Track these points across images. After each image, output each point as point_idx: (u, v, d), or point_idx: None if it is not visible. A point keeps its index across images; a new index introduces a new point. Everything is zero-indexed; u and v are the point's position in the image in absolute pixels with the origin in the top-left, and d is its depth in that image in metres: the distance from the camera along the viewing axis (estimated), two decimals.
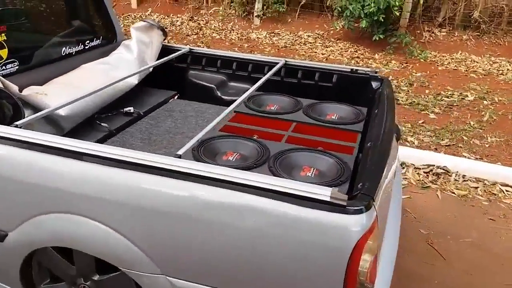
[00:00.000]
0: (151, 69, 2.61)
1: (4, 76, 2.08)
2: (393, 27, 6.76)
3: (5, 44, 2.09)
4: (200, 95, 2.71)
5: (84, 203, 1.44)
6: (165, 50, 2.79)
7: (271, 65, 2.61)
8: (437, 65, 6.18)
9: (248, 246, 1.30)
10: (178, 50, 2.77)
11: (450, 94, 4.97)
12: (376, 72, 2.48)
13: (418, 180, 3.16)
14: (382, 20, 6.29)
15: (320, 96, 2.48)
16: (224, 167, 1.35)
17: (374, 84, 2.45)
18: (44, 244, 1.58)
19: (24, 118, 1.74)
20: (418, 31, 6.99)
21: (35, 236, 1.57)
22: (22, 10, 2.33)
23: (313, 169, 1.71)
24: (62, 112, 1.97)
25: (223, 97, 2.70)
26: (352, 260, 1.24)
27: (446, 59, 6.42)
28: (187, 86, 2.81)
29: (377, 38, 6.48)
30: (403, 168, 3.29)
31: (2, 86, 1.78)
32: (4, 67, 2.09)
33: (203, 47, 6.67)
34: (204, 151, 1.76)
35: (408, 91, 5.05)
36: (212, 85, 2.74)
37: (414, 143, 3.70)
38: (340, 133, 2.06)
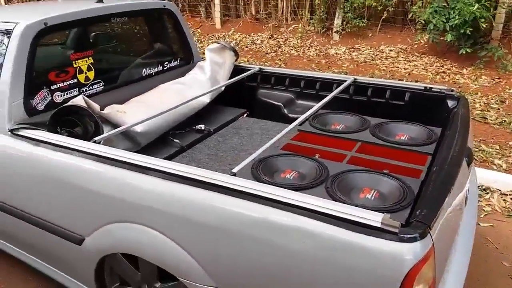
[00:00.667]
0: (223, 88, 2.73)
1: (90, 95, 2.32)
2: (483, 40, 6.30)
3: (92, 67, 2.33)
4: (268, 113, 2.77)
5: (149, 214, 1.55)
6: (237, 70, 2.89)
7: (340, 82, 2.58)
8: None
9: (295, 267, 1.30)
10: (249, 70, 2.86)
11: None
12: (452, 91, 2.34)
13: (504, 207, 2.88)
14: (470, 33, 5.89)
15: (391, 115, 2.39)
16: (275, 187, 1.37)
17: (450, 103, 2.31)
18: (113, 250, 1.72)
19: (102, 134, 1.91)
20: None
21: (106, 242, 1.71)
22: (107, 36, 2.58)
23: (374, 192, 1.66)
24: (138, 128, 2.13)
25: (289, 115, 2.72)
26: None
27: None
28: (256, 104, 2.89)
29: (464, 52, 6.08)
30: (487, 193, 3.03)
31: (85, 105, 1.99)
32: (91, 87, 2.33)
33: (281, 65, 6.78)
34: (263, 168, 1.79)
35: (498, 109, 4.65)
36: (280, 103, 2.78)
37: (502, 166, 3.39)
38: (409, 154, 1.97)
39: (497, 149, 3.67)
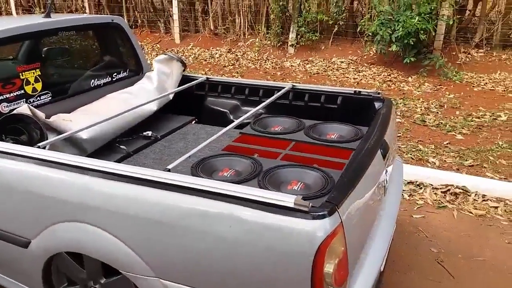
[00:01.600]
0: (171, 96, 2.87)
1: (38, 105, 2.39)
2: (426, 50, 6.74)
3: (39, 78, 2.42)
4: (215, 119, 2.92)
5: (90, 212, 1.65)
6: (185, 80, 3.04)
7: (280, 89, 2.77)
8: (473, 86, 6.06)
9: (224, 251, 1.43)
10: (197, 79, 3.01)
11: (481, 115, 4.87)
12: (379, 93, 2.57)
13: (435, 200, 3.14)
14: (413, 44, 6.30)
15: (325, 118, 2.59)
16: (203, 179, 1.51)
17: (377, 105, 2.54)
18: (59, 249, 1.80)
19: (46, 140, 2.00)
20: (454, 53, 6.91)
21: (51, 242, 1.79)
22: (56, 49, 2.67)
23: (300, 183, 1.83)
24: (84, 135, 2.23)
25: (235, 120, 2.88)
26: (316, 263, 1.34)
27: (483, 80, 6.29)
28: (204, 112, 3.03)
29: (408, 61, 6.48)
30: (421, 188, 3.28)
31: (30, 113, 2.07)
32: (38, 98, 2.41)
33: (238, 77, 6.98)
34: (202, 168, 1.94)
35: (437, 112, 5.00)
36: (226, 110, 2.94)
37: (435, 163, 3.68)
38: (335, 151, 2.16)
39: (432, 148, 3.97)
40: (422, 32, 6.11)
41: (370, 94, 2.59)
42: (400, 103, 5.37)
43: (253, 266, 1.41)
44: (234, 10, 8.61)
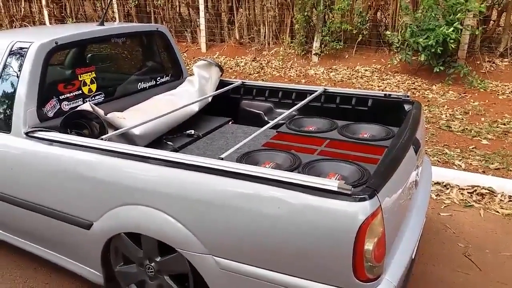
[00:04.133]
0: (210, 99, 3.08)
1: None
2: (451, 59, 6.83)
3: (94, 80, 2.66)
4: (251, 120, 3.12)
5: (149, 196, 1.85)
6: (222, 84, 3.25)
7: (312, 92, 2.95)
8: (498, 95, 6.11)
9: (273, 229, 1.61)
10: (233, 83, 3.22)
11: (507, 121, 4.93)
12: (407, 96, 2.72)
13: (462, 200, 3.24)
14: (440, 53, 6.40)
15: (356, 120, 2.76)
16: (254, 166, 1.69)
17: (406, 107, 2.69)
18: (118, 230, 2.00)
19: (107, 134, 2.23)
20: (478, 62, 6.98)
21: (112, 224, 2.00)
22: (108, 53, 2.92)
23: (337, 175, 2.00)
24: (136, 131, 2.45)
25: (269, 121, 3.07)
26: (358, 241, 1.50)
27: (508, 88, 6.33)
28: (240, 113, 3.23)
29: (438, 70, 6.56)
30: (447, 189, 3.39)
31: (91, 110, 2.30)
32: (93, 98, 2.65)
33: None
34: (247, 161, 2.12)
35: (462, 119, 5.09)
36: (260, 111, 3.13)
37: (461, 166, 3.78)
38: (369, 148, 2.32)
39: (458, 152, 4.07)
40: (451, 41, 6.19)
41: (399, 96, 2.74)
42: (425, 110, 5.47)
43: (298, 243, 1.58)
44: (259, 20, 8.86)
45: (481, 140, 4.39)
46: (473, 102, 5.78)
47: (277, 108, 3.16)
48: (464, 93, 6.26)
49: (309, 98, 2.80)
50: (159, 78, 3.18)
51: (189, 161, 1.78)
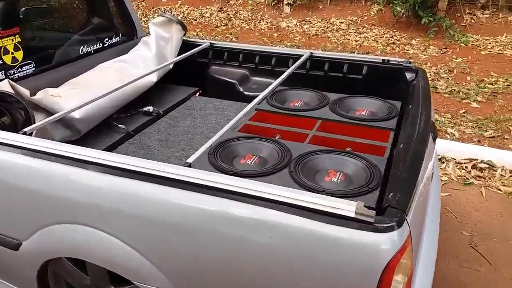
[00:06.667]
0: (171, 65, 2.52)
1: (20, 78, 2.04)
2: (430, 11, 6.39)
3: (20, 46, 2.05)
4: (222, 91, 2.61)
5: (94, 214, 1.36)
6: (185, 46, 2.68)
7: (296, 57, 2.45)
8: (480, 50, 5.79)
9: (262, 263, 1.18)
10: (199, 45, 2.66)
11: (494, 81, 4.62)
12: (410, 63, 2.28)
13: (460, 176, 2.92)
14: (419, 5, 5.95)
15: (349, 90, 2.31)
16: (236, 178, 1.23)
17: (408, 76, 2.25)
18: (56, 254, 1.52)
19: (34, 123, 1.68)
20: (459, 14, 6.58)
21: (47, 246, 1.51)
22: (38, 10, 2.28)
23: (339, 174, 1.56)
24: (76, 114, 1.90)
25: (245, 92, 2.57)
26: (383, 283, 1.09)
27: (490, 43, 6.01)
28: (208, 82, 2.71)
29: (425, 22, 6.11)
30: (443, 163, 3.06)
31: (11, 91, 1.73)
32: (20, 69, 2.05)
33: (232, 38, 6.56)
34: (221, 154, 1.65)
35: (448, 78, 4.74)
36: (234, 81, 2.62)
37: (454, 135, 3.45)
38: (371, 131, 1.89)
39: (449, 118, 3.73)
40: None
41: (400, 63, 2.29)
42: None
43: (294, 283, 1.16)
44: None
45: (470, 103, 4.06)
46: (456, 59, 5.43)
47: (254, 75, 2.65)
48: (445, 48, 5.89)
49: (295, 65, 2.30)
50: (107, 39, 2.57)
51: (146, 169, 1.29)
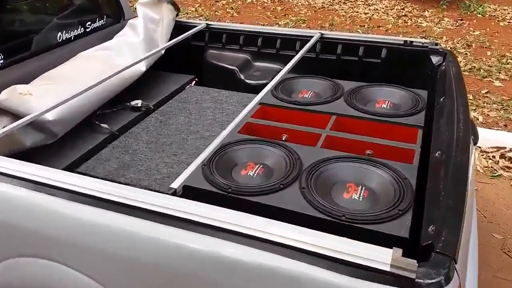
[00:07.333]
0: (163, 51, 2.22)
1: None
2: None
3: None
4: (221, 79, 2.32)
5: (59, 248, 1.11)
6: (178, 28, 2.38)
7: (304, 39, 2.15)
8: (498, 21, 5.40)
9: None
10: (194, 27, 2.35)
11: None
12: (436, 44, 1.97)
13: (486, 167, 2.64)
14: None
15: (365, 77, 2.01)
16: (233, 212, 0.96)
17: (435, 60, 1.95)
18: None
19: None
20: None
21: (5, 281, 1.27)
22: None
23: (361, 188, 1.29)
24: (49, 116, 1.63)
25: (246, 81, 2.28)
26: None
27: (509, 13, 5.61)
28: (205, 69, 2.41)
29: None
30: None
31: None
32: None
33: (233, 13, 6.18)
34: (218, 164, 1.38)
35: (466, 53, 4.39)
36: (234, 67, 2.32)
37: (478, 119, 3.14)
38: (394, 129, 1.61)
39: (471, 99, 3.41)
40: None
41: (425, 44, 1.99)
42: None
43: None
44: None
45: (493, 82, 3.74)
46: (473, 31, 5.05)
47: (257, 60, 2.35)
48: (461, 19, 5.50)
49: (304, 48, 2.00)
50: (89, 23, 2.27)
51: (120, 197, 1.02)
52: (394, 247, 0.84)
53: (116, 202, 1.02)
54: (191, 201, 1.00)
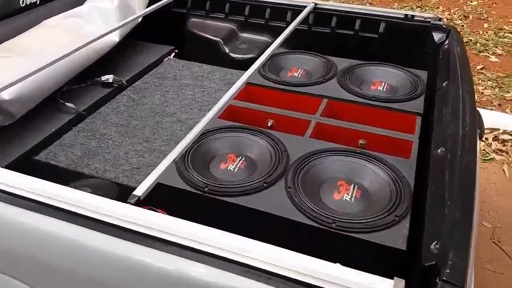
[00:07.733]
0: (140, 19, 2.01)
1: None
2: None
3: None
4: (203, 52, 2.13)
5: (20, 264, 0.97)
6: None
7: (296, 9, 1.96)
8: None
9: None
10: None
11: None
12: (439, 20, 1.81)
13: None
14: None
15: (361, 53, 1.86)
16: (208, 229, 0.82)
17: (437, 37, 1.79)
18: None
19: None
20: None
21: None
22: None
23: (354, 187, 1.16)
24: (5, 95, 1.44)
25: (231, 54, 2.10)
26: None
27: None
28: (186, 40, 2.21)
29: None
30: None
31: None
32: None
33: None
34: (195, 156, 1.23)
35: (462, 25, 4.21)
36: (218, 39, 2.13)
37: None
38: (391, 115, 1.47)
39: None
40: None
41: (427, 19, 1.82)
42: None
43: None
44: None
45: (489, 57, 3.59)
46: (471, 2, 4.85)
47: (243, 31, 2.15)
48: None
49: (296, 20, 1.82)
50: None
51: (78, 205, 0.87)
52: (395, 278, 0.72)
53: (59, 208, 0.87)
54: (154, 213, 0.86)
